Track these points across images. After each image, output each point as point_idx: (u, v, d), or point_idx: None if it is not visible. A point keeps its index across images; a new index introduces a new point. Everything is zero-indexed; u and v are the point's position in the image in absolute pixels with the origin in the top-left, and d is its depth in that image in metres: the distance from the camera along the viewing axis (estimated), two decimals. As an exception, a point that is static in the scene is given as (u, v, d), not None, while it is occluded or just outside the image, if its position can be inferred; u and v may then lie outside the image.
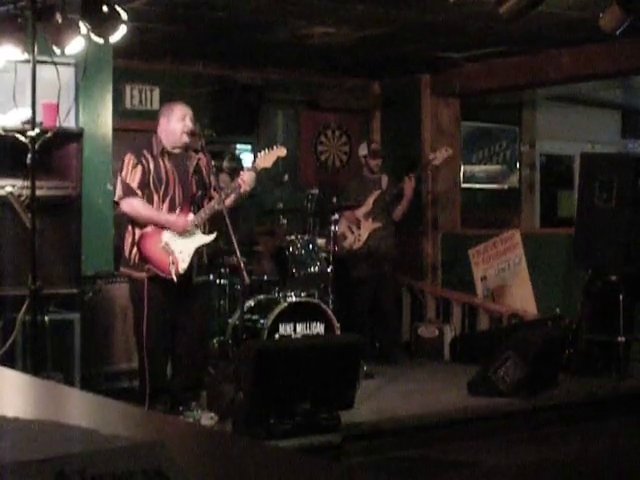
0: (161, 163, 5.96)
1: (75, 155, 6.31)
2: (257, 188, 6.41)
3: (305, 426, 5.64)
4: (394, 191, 8.43)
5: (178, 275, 5.84)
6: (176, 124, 5.96)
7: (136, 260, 5.92)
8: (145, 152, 5.96)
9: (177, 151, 6.02)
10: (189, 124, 5.96)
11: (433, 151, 9.02)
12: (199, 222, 5.96)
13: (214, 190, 6.02)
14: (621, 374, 7.59)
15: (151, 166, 5.93)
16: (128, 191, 5.89)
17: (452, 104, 10.02)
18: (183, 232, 5.91)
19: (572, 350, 7.65)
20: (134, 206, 5.91)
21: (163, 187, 5.94)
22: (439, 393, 7.09)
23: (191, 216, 5.94)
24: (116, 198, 6.02)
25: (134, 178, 5.90)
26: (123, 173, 5.93)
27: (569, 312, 8.10)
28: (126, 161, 5.94)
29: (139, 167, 5.91)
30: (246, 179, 5.98)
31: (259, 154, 6.21)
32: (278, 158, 6.19)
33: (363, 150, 8.74)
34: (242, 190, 6.00)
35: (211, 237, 6.04)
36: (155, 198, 5.93)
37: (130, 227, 5.99)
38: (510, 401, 6.75)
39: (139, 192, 5.90)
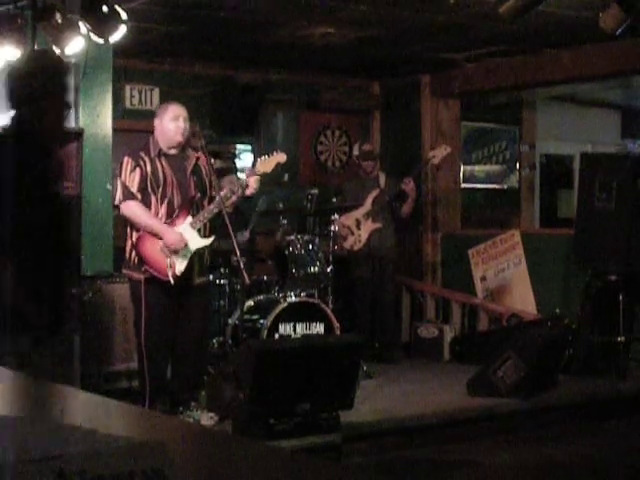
0: (158, 165, 5.96)
1: (75, 155, 6.30)
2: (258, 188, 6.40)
3: (305, 426, 5.63)
4: (394, 191, 8.41)
5: (175, 277, 5.84)
6: (169, 124, 5.96)
7: (135, 261, 5.93)
8: (142, 154, 5.96)
9: (174, 152, 6.02)
10: (182, 124, 5.96)
11: (432, 149, 9.02)
12: (198, 225, 5.96)
13: (216, 190, 6.00)
14: (621, 374, 7.58)
15: (148, 168, 5.93)
16: (128, 194, 5.89)
17: (452, 104, 10.02)
18: (175, 248, 5.87)
19: (572, 350, 7.64)
20: (134, 210, 5.91)
21: (161, 189, 5.93)
22: (439, 393, 7.09)
23: (190, 219, 5.94)
24: (116, 202, 6.01)
25: (133, 181, 5.90)
26: (122, 176, 5.92)
27: (569, 312, 8.09)
28: (124, 164, 5.94)
29: (137, 170, 5.91)
30: (252, 183, 6.02)
31: (259, 159, 6.22)
32: (278, 164, 6.20)
33: (355, 151, 8.78)
34: (249, 193, 6.04)
35: (209, 240, 6.03)
36: (153, 200, 5.93)
37: (129, 229, 6.00)
38: (510, 401, 6.74)
39: (138, 195, 5.90)
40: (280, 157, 6.18)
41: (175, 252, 5.87)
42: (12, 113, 3.49)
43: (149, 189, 5.92)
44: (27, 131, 3.59)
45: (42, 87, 3.68)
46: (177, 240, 5.87)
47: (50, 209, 3.56)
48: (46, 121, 3.80)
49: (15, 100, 3.56)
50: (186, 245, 5.91)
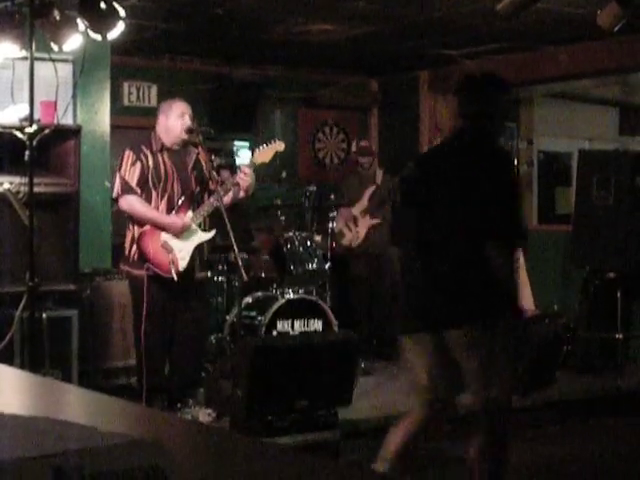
0: (160, 160, 5.95)
1: (73, 152, 6.29)
2: (256, 186, 6.40)
3: (303, 423, 5.64)
4: (390, 187, 8.40)
5: (178, 274, 5.83)
6: (175, 121, 5.95)
7: (136, 258, 5.91)
8: (144, 148, 5.95)
9: (176, 147, 6.01)
10: (188, 121, 5.96)
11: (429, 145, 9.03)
12: (199, 219, 5.96)
13: (217, 184, 5.98)
14: (619, 372, 7.59)
15: (150, 163, 5.93)
16: (127, 188, 5.88)
17: (450, 101, 10.01)
18: (182, 233, 5.90)
19: (570, 348, 7.65)
20: (132, 204, 5.90)
21: (162, 184, 5.93)
22: (437, 390, 7.08)
23: (190, 213, 5.94)
24: (114, 195, 6.01)
25: (133, 175, 5.89)
26: (122, 170, 5.91)
27: (567, 309, 8.10)
28: (125, 157, 5.92)
29: (138, 164, 5.90)
30: (245, 175, 5.99)
31: (257, 149, 6.22)
32: (276, 153, 6.19)
33: (354, 148, 8.80)
34: (242, 186, 6.00)
35: (210, 234, 6.04)
36: (154, 195, 5.93)
37: (130, 225, 5.98)
38: (508, 398, 6.74)
39: (138, 189, 5.89)
40: (278, 146, 6.17)
41: (177, 247, 5.87)
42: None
43: (150, 184, 5.91)
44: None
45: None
46: (182, 224, 5.87)
47: None
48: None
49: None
50: (192, 232, 5.92)
